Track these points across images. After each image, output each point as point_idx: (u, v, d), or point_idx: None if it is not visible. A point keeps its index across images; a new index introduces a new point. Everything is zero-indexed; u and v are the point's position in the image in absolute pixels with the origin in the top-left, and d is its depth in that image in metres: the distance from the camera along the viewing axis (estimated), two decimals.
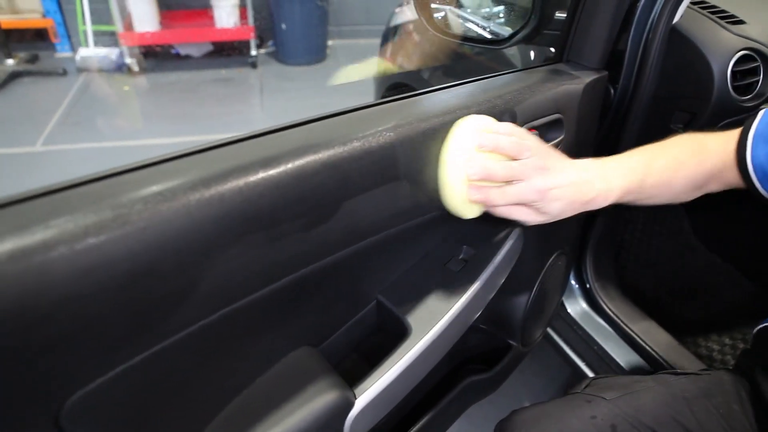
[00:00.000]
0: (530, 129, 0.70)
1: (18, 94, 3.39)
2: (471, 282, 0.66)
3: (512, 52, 1.18)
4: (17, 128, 2.95)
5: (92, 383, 0.39)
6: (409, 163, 0.57)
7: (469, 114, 0.62)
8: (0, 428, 0.36)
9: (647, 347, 1.06)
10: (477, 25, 1.05)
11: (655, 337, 1.08)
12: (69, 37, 3.97)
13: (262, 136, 0.50)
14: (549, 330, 1.22)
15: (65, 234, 0.35)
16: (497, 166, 0.59)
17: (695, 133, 0.73)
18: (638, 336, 1.08)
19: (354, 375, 0.59)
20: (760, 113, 0.70)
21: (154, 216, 0.38)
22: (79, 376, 0.39)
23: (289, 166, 0.46)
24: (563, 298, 1.17)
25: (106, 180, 0.41)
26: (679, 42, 0.90)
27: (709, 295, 1.28)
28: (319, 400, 0.54)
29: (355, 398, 0.55)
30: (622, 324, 1.10)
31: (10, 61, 3.55)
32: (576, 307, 1.18)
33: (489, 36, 1.01)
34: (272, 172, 0.45)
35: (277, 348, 0.57)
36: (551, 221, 0.64)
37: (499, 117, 0.65)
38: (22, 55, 3.69)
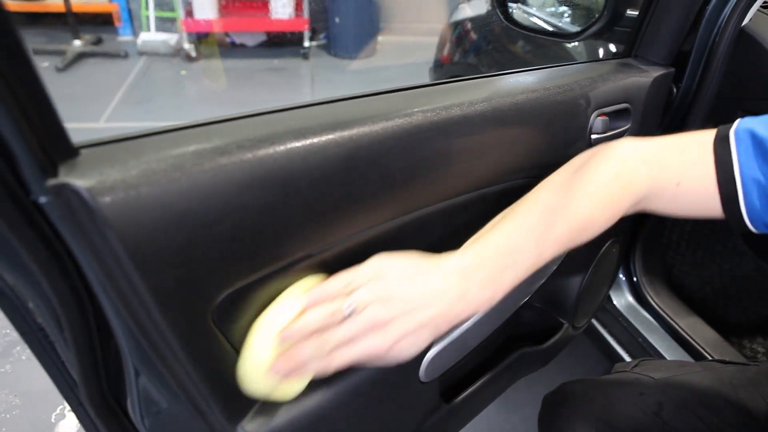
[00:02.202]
0: (600, 115, 0.74)
1: (83, 73, 3.57)
2: None
3: (578, 48, 1.22)
4: (83, 105, 3.11)
5: (238, 284, 0.46)
6: (496, 133, 0.62)
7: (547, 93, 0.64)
8: (170, 319, 0.42)
9: (693, 342, 1.07)
10: (545, 21, 1.10)
11: (701, 332, 1.10)
12: (131, 21, 4.16)
13: (365, 97, 0.57)
14: (593, 321, 1.25)
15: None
16: (301, 351, 0.47)
17: (624, 150, 0.58)
18: (684, 330, 1.10)
19: None
20: (732, 144, 0.56)
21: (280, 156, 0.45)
22: (229, 277, 0.45)
23: (399, 121, 0.52)
24: (609, 292, 1.19)
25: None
26: (747, 43, 0.92)
27: (756, 298, 1.28)
28: None
29: (432, 343, 0.61)
30: (668, 318, 1.12)
31: (77, 42, 3.73)
32: (621, 299, 1.20)
33: (559, 30, 1.05)
34: (375, 127, 0.51)
35: None
36: None
37: (575, 101, 0.69)
38: (88, 37, 3.87)
